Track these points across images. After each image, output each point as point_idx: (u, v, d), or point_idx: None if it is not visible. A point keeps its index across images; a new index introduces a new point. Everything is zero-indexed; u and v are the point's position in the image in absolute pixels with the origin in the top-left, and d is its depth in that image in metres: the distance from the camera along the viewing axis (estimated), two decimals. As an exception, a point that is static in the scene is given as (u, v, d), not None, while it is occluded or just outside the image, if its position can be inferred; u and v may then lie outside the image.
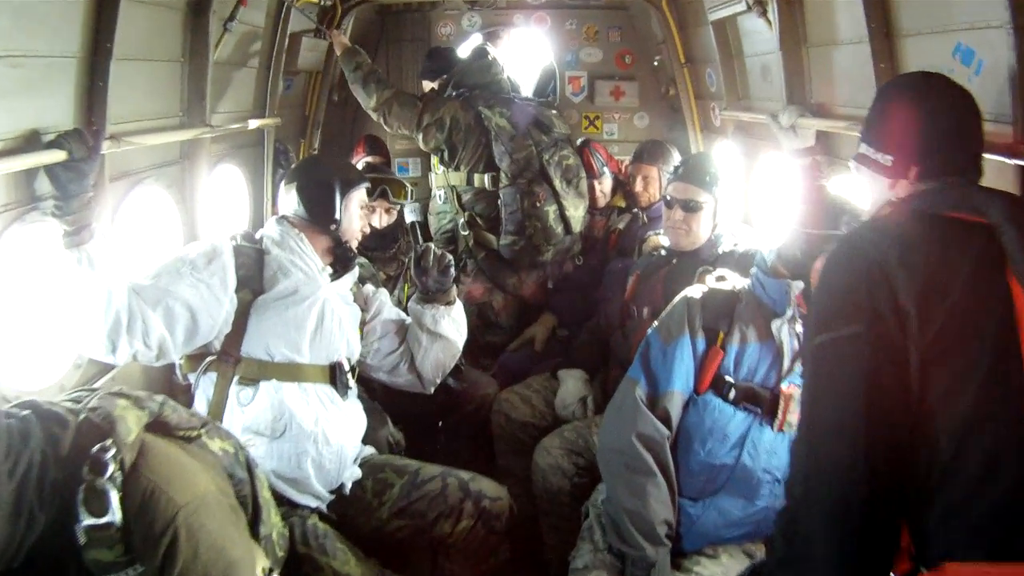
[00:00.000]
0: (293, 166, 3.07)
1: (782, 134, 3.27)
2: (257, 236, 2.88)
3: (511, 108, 4.35)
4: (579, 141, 4.69)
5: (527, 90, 5.00)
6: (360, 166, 4.87)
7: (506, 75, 4.60)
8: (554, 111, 4.58)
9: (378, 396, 3.43)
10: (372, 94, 4.33)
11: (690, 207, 3.36)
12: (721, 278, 2.76)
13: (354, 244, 2.99)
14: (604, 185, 4.65)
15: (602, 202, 4.66)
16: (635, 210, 4.43)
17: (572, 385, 3.55)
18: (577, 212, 4.38)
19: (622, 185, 4.65)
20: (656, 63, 5.43)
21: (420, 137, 4.35)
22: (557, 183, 4.27)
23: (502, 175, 4.28)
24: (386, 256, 3.98)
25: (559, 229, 4.33)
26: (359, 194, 2.97)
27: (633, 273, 3.63)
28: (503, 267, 4.47)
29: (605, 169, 4.63)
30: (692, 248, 3.42)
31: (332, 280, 2.86)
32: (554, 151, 4.32)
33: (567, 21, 5.64)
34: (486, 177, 4.33)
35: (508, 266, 4.46)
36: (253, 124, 4.00)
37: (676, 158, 4.34)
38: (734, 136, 4.25)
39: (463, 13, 5.59)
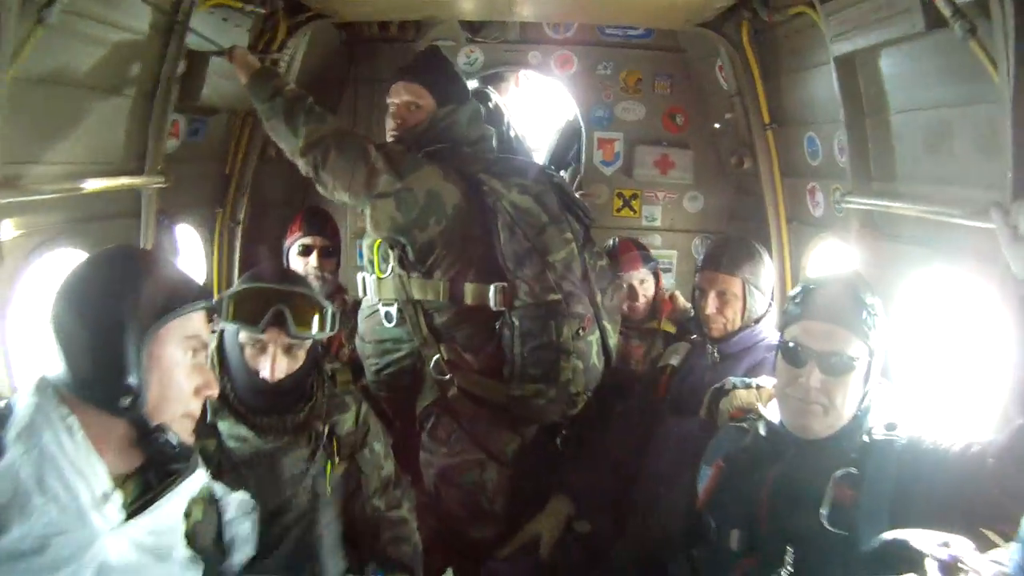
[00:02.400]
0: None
1: (1015, 248, 1.78)
2: (2, 407, 1.46)
3: (532, 179, 2.85)
4: (610, 241, 3.46)
5: (540, 155, 4.17)
6: (295, 250, 3.37)
7: (513, 132, 3.32)
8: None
9: None
10: (300, 127, 2.69)
11: (835, 367, 1.91)
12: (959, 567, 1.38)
13: (187, 427, 1.48)
14: (647, 285, 3.41)
15: (642, 310, 3.37)
16: (694, 337, 3.00)
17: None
18: (615, 338, 3.02)
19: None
20: (718, 126, 4.03)
21: (369, 212, 2.76)
22: (598, 297, 2.89)
23: (520, 288, 2.75)
24: (286, 424, 2.23)
25: (600, 366, 2.91)
26: (184, 327, 1.49)
27: (713, 462, 2.18)
28: (499, 425, 2.88)
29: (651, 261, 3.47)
30: (826, 434, 1.97)
31: (127, 518, 1.44)
32: (591, 248, 2.97)
33: (600, 64, 4.37)
34: (490, 291, 2.77)
35: (507, 425, 2.88)
36: (111, 183, 2.54)
37: (769, 266, 2.87)
38: (860, 236, 2.75)
39: (460, 47, 4.22)
